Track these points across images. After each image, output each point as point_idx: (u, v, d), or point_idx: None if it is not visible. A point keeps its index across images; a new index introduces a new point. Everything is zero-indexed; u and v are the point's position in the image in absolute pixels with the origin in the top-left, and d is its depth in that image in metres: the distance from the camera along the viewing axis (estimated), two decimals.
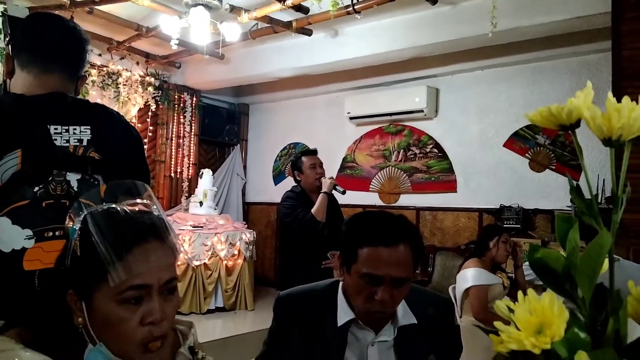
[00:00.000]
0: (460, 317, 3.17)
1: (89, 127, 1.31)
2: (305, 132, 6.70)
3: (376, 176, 6.00)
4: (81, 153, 1.29)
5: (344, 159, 6.27)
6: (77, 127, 1.30)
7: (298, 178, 3.40)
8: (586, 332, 0.45)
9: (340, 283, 1.38)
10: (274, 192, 6.77)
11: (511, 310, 0.46)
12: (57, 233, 1.21)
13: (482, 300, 3.00)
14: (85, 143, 1.30)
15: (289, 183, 6.79)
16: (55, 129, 1.28)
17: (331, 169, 6.15)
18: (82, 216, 0.90)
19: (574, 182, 0.52)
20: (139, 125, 6.11)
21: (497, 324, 0.45)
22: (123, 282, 0.85)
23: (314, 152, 3.48)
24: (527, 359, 0.43)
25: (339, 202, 3.51)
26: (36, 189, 1.23)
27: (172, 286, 0.91)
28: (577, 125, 0.51)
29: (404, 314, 1.33)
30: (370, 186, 6.01)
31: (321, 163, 3.42)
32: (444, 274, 4.90)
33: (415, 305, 1.35)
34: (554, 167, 4.88)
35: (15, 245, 1.19)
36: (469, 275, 3.06)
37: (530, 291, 0.45)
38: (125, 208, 0.91)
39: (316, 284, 1.46)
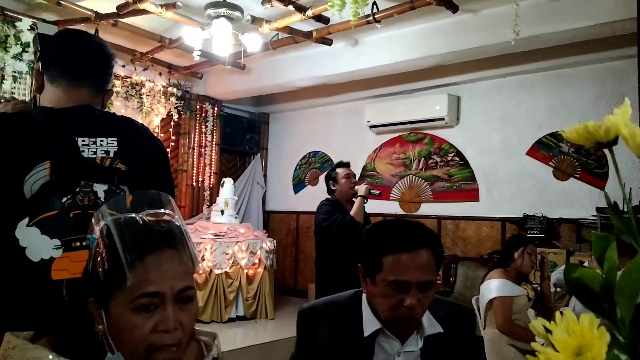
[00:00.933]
0: (484, 328, 3.13)
1: (115, 139, 1.33)
2: (325, 140, 6.72)
3: (397, 185, 5.98)
4: (108, 164, 1.31)
5: (364, 168, 6.26)
6: (104, 139, 1.32)
7: (333, 188, 3.60)
8: (627, 354, 0.44)
9: (364, 294, 1.37)
10: (294, 201, 6.80)
11: (548, 331, 0.45)
12: (84, 243, 1.22)
13: (506, 312, 2.95)
14: (112, 155, 1.32)
15: (309, 192, 6.84)
16: (83, 140, 1.30)
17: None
18: (102, 224, 0.91)
19: (611, 200, 0.51)
20: (162, 135, 6.19)
21: (535, 345, 0.44)
22: (136, 289, 0.86)
23: (347, 165, 3.71)
24: None
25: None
26: (64, 199, 1.25)
27: (188, 295, 0.92)
28: (614, 142, 0.50)
29: (430, 324, 1.33)
30: (391, 195, 5.98)
31: (354, 174, 3.68)
32: (466, 284, 4.84)
33: (439, 315, 1.36)
34: (578, 176, 4.80)
35: (43, 255, 1.21)
36: (493, 286, 3.02)
37: (568, 312, 0.44)
38: (144, 217, 0.93)
39: (338, 295, 1.46)
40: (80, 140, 1.29)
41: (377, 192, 3.62)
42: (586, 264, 3.17)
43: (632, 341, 0.46)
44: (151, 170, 1.41)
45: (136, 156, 1.36)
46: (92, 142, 1.31)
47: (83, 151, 1.29)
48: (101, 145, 1.31)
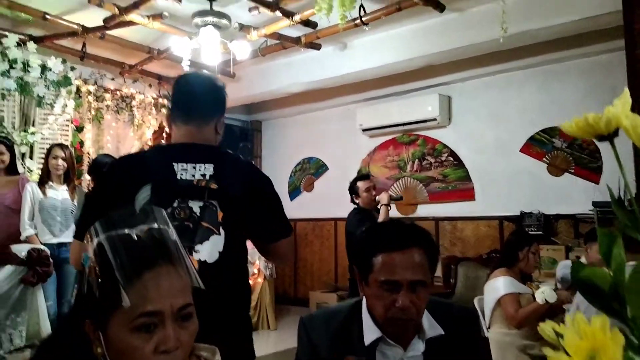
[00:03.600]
0: (489, 328, 3.10)
1: (212, 165, 1.59)
2: (319, 146, 6.70)
3: (392, 187, 5.96)
4: (203, 185, 1.57)
5: (359, 171, 6.22)
6: (203, 165, 1.59)
7: (356, 201, 3.88)
8: None
9: (364, 301, 1.35)
10: (291, 208, 6.74)
11: (558, 334, 0.43)
12: None
13: (517, 307, 2.91)
14: (207, 177, 1.58)
15: (305, 198, 6.81)
16: (182, 167, 1.58)
17: (346, 182, 6.12)
18: (95, 242, 0.88)
19: (615, 194, 0.49)
20: None
21: (545, 349, 0.42)
22: (134, 309, 0.83)
23: (367, 177, 4.03)
24: None
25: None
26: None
27: (188, 312, 0.89)
28: (615, 134, 0.49)
29: (430, 326, 1.31)
30: None
31: (374, 185, 3.94)
32: (467, 285, 4.81)
33: (440, 317, 1.33)
34: (572, 171, 4.80)
35: None
36: (501, 284, 2.99)
37: (579, 315, 0.42)
38: (137, 232, 0.90)
39: (340, 304, 1.45)
40: (178, 166, 1.58)
41: (399, 196, 3.90)
42: (582, 258, 3.15)
43: None
44: (246, 192, 1.63)
45: (228, 178, 1.61)
46: (192, 167, 1.58)
47: (181, 175, 1.57)
48: (199, 169, 1.58)
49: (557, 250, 4.53)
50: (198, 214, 1.54)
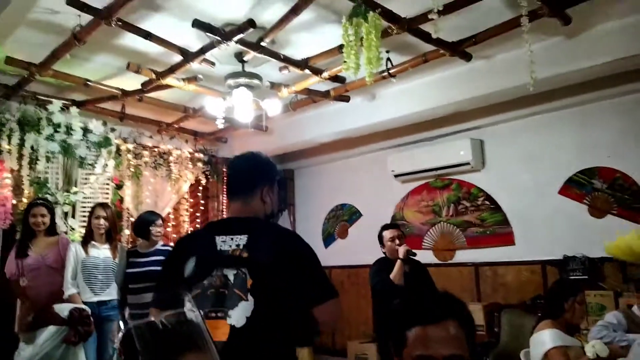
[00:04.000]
0: None
1: (246, 236, 1.76)
2: (351, 192, 6.71)
3: (428, 233, 5.88)
4: (237, 254, 1.73)
5: (393, 217, 6.19)
6: (239, 236, 1.76)
7: (383, 250, 3.99)
8: None
9: None
10: (326, 255, 6.72)
11: None
12: (218, 314, 1.67)
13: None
14: (241, 247, 1.74)
15: (339, 245, 6.78)
16: (222, 239, 1.77)
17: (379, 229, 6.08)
18: (123, 332, 0.91)
19: None
20: (191, 200, 6.29)
21: None
22: None
23: (393, 226, 4.11)
24: None
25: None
26: (205, 282, 1.72)
27: None
28: None
29: None
30: (423, 243, 5.87)
31: (400, 235, 3.97)
32: (511, 333, 4.63)
33: None
34: (615, 212, 4.63)
35: None
36: (547, 338, 2.87)
37: None
38: (164, 321, 0.91)
39: None
40: (219, 239, 1.77)
41: (414, 252, 3.86)
42: (635, 307, 3.00)
43: None
44: (278, 259, 1.74)
45: (259, 246, 1.74)
46: (229, 239, 1.76)
47: (220, 246, 1.76)
48: (235, 240, 1.75)
49: (605, 296, 4.33)
50: (232, 281, 1.69)
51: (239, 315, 1.65)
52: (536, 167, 5.14)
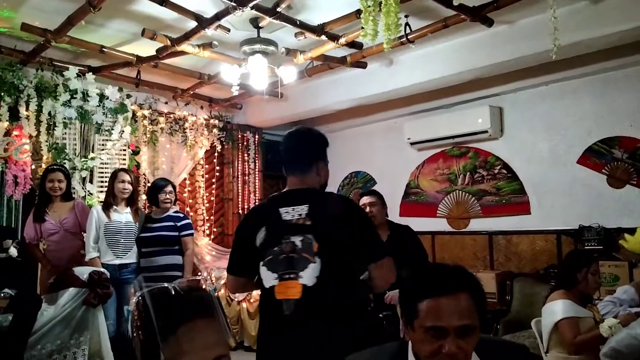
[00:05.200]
0: (547, 352, 2.99)
1: (307, 205, 1.96)
2: (366, 160, 6.68)
3: (443, 201, 5.87)
4: (301, 222, 1.93)
5: (408, 185, 6.18)
6: (300, 206, 1.96)
7: None
8: None
9: (410, 344, 1.34)
10: None
11: None
12: (291, 275, 1.89)
13: (575, 332, 2.80)
14: (303, 216, 1.94)
15: None
16: (285, 210, 1.97)
17: (395, 196, 6.09)
18: (137, 295, 0.93)
19: None
20: (206, 166, 6.34)
21: None
22: None
23: (368, 193, 3.76)
24: None
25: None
26: (276, 248, 1.93)
27: None
28: None
29: None
30: (438, 212, 5.87)
31: (372, 202, 3.59)
32: (523, 302, 4.66)
33: (488, 356, 1.31)
34: (634, 182, 4.57)
35: (270, 283, 1.92)
36: (559, 308, 2.87)
37: None
38: (176, 286, 0.94)
39: (384, 346, 1.43)
40: (283, 210, 1.97)
41: None
42: None
43: None
44: (338, 223, 1.95)
45: (320, 214, 1.95)
46: (291, 209, 1.97)
47: (284, 216, 1.96)
48: (297, 210, 1.96)
49: (619, 266, 4.31)
50: (300, 246, 1.90)
51: (309, 275, 1.87)
52: (555, 136, 5.06)
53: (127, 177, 4.16)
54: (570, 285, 2.96)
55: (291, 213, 1.96)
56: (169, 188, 4.25)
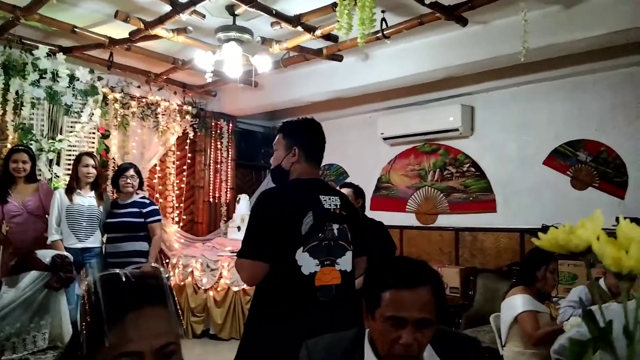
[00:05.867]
0: (504, 346, 3.08)
1: (338, 197, 2.11)
2: (339, 153, 6.70)
3: (412, 196, 5.94)
4: (338, 212, 2.05)
5: (379, 180, 6.24)
6: (333, 197, 2.08)
7: None
8: None
9: (367, 331, 1.38)
10: None
11: None
12: (329, 262, 1.98)
13: (536, 325, 2.88)
14: (339, 206, 2.07)
15: None
16: (323, 198, 2.04)
17: (366, 190, 6.10)
18: (88, 280, 0.93)
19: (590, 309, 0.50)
20: (178, 153, 6.27)
21: None
22: (116, 349, 0.87)
23: (345, 185, 3.96)
24: None
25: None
26: (320, 234, 1.98)
27: (169, 351, 0.92)
28: (589, 252, 0.50)
29: (430, 357, 1.33)
30: (407, 207, 5.95)
31: (349, 194, 3.68)
32: (486, 297, 4.77)
33: (441, 348, 1.35)
34: (597, 185, 4.71)
35: (311, 270, 1.95)
36: (519, 302, 2.96)
37: None
38: (127, 273, 0.94)
39: (344, 332, 1.46)
40: (322, 198, 2.04)
41: None
42: (601, 281, 3.10)
43: None
44: (358, 217, 2.19)
45: (348, 207, 2.14)
46: (328, 199, 2.05)
47: (324, 204, 2.03)
48: (333, 200, 2.07)
49: (578, 266, 4.45)
50: (337, 235, 2.01)
51: (347, 261, 2.03)
52: (524, 137, 5.17)
53: (90, 162, 4.09)
54: (529, 281, 3.05)
55: (328, 202, 2.04)
56: (130, 172, 4.18)
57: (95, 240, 4.08)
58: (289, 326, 1.85)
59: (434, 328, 1.28)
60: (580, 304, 3.13)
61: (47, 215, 4.03)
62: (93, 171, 4.08)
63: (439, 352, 1.34)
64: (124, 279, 0.93)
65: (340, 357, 1.37)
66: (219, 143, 6.59)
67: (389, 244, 3.71)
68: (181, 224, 6.22)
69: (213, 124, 6.52)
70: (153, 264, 1.04)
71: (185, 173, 6.36)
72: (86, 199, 4.09)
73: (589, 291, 3.12)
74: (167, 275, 0.99)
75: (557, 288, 3.76)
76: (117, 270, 0.95)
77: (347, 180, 6.55)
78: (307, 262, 1.93)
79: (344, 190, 3.70)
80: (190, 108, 6.27)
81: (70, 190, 4.07)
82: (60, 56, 4.72)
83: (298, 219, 1.95)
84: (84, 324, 0.90)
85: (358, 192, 3.76)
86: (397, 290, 1.26)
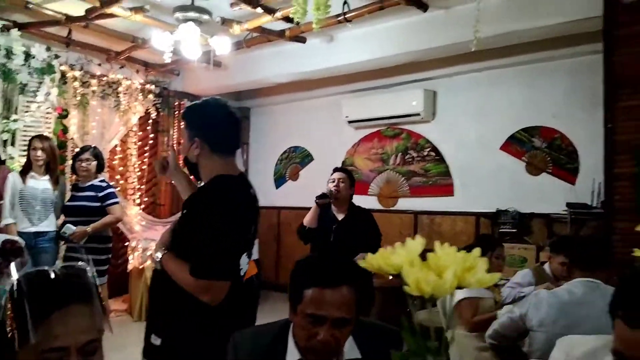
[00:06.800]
0: (447, 330, 3.19)
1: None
2: (305, 135, 6.73)
3: (375, 180, 6.02)
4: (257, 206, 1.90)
5: (343, 163, 6.28)
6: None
7: None
8: None
9: (292, 325, 1.42)
10: (276, 196, 6.83)
11: None
12: (250, 256, 1.86)
13: (473, 312, 2.99)
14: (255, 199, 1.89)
15: (290, 187, 6.87)
16: (253, 193, 1.84)
17: (330, 173, 6.16)
18: (13, 279, 0.95)
19: None
20: (140, 133, 6.17)
21: None
22: (42, 345, 0.90)
23: (339, 170, 3.80)
24: None
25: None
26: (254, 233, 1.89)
27: (93, 347, 0.97)
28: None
29: (350, 349, 1.37)
30: (369, 190, 6.03)
31: (342, 178, 3.66)
32: None
33: (362, 339, 1.39)
34: (550, 171, 4.86)
35: (244, 269, 1.81)
36: (460, 289, 3.06)
37: None
38: (56, 271, 0.97)
39: (273, 322, 1.50)
40: (252, 192, 1.83)
41: (323, 194, 3.62)
42: (546, 266, 3.23)
43: None
44: None
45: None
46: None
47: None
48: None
49: (528, 249, 4.62)
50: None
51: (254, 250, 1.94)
52: (483, 122, 5.27)
53: (39, 145, 3.97)
54: None
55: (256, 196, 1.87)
56: (86, 155, 4.07)
57: (49, 224, 4.01)
58: (225, 323, 1.65)
59: (352, 326, 1.32)
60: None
61: (0, 201, 3.95)
62: (42, 155, 3.97)
63: (359, 344, 1.38)
64: (52, 277, 0.95)
65: (265, 347, 1.41)
66: (182, 124, 6.50)
67: (374, 236, 3.68)
68: (142, 206, 6.15)
69: (176, 103, 6.42)
70: (80, 264, 1.04)
71: (147, 154, 6.27)
72: (40, 182, 4.01)
73: (534, 274, 3.25)
74: (92, 274, 1.01)
75: (506, 271, 3.89)
76: (46, 267, 0.97)
77: (312, 163, 6.61)
78: (244, 263, 1.77)
79: (339, 174, 3.69)
80: (152, 87, 6.16)
81: (24, 173, 3.99)
82: (15, 32, 4.57)
83: (249, 223, 1.77)
84: (9, 320, 0.93)
85: (352, 179, 3.76)
86: (319, 288, 1.29)
